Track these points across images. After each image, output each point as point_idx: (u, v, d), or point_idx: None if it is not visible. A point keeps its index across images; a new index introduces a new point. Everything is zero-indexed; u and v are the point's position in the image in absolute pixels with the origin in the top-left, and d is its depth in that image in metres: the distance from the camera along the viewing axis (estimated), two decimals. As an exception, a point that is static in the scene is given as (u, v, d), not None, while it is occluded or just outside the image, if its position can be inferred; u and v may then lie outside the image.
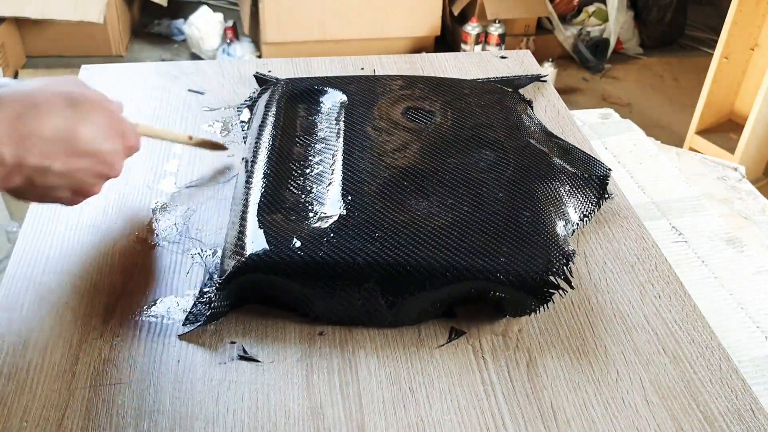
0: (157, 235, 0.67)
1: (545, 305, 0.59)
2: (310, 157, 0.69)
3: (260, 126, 0.73)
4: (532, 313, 0.60)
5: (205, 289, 0.61)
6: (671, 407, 0.53)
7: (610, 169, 0.74)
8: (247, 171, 0.68)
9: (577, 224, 0.68)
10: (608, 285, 0.64)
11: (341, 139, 0.71)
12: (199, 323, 0.58)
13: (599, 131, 1.17)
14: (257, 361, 0.56)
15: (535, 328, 0.59)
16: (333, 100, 0.78)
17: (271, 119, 0.74)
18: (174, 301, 0.61)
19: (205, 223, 0.69)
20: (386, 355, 0.57)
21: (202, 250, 0.65)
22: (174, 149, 0.79)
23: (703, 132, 2.28)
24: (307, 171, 0.68)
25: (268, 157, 0.68)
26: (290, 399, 0.53)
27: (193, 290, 0.61)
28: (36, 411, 0.51)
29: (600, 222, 0.71)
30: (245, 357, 0.56)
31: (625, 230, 0.70)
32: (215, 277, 0.61)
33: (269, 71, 0.94)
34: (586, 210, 0.70)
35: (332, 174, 0.66)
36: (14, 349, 0.56)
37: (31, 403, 0.52)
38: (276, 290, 0.59)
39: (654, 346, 0.58)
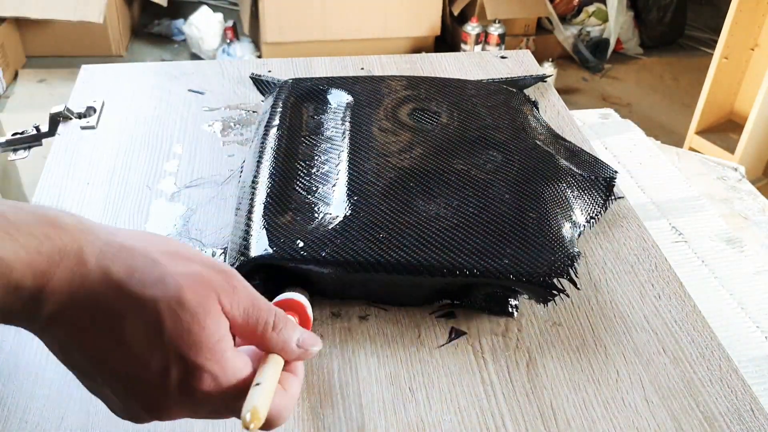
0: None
1: (545, 304, 0.59)
2: (315, 157, 0.69)
3: (266, 125, 0.73)
4: (532, 314, 0.60)
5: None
6: (671, 407, 0.53)
7: (616, 172, 0.73)
8: (252, 169, 0.68)
9: (584, 226, 0.68)
10: (608, 285, 0.64)
11: (347, 140, 0.71)
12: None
13: (599, 131, 1.17)
14: (257, 361, 0.56)
15: (535, 328, 0.59)
16: (339, 100, 0.78)
17: (277, 118, 0.74)
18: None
19: (205, 223, 0.69)
20: (386, 355, 0.57)
21: (201, 251, 0.65)
22: (174, 149, 0.79)
23: (703, 132, 2.28)
24: (313, 171, 0.67)
25: (274, 156, 0.68)
26: (290, 399, 0.53)
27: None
28: (36, 411, 0.51)
29: (600, 222, 0.71)
30: (245, 357, 0.56)
31: (625, 230, 0.70)
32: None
33: (269, 71, 0.94)
34: (593, 212, 0.70)
35: (338, 174, 0.66)
36: (14, 349, 0.56)
37: (31, 403, 0.52)
38: (279, 291, 0.59)
39: (654, 346, 0.58)
